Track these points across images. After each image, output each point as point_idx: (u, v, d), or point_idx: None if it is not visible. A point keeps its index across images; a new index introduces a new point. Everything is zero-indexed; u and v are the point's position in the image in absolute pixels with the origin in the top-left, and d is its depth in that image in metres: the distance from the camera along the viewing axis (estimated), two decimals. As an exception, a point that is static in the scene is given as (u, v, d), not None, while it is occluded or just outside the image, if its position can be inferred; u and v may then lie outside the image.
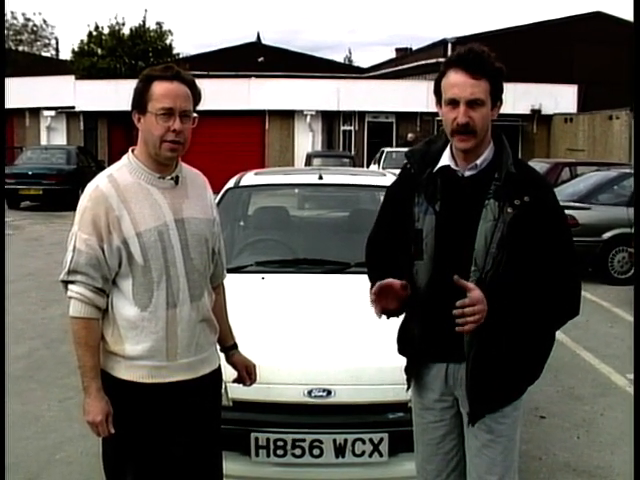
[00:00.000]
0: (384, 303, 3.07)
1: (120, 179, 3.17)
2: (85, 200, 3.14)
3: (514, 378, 3.15)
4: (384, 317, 3.14)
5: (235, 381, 3.69)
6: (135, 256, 3.11)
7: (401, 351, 3.38)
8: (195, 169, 3.46)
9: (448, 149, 3.16)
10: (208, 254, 3.34)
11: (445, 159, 3.15)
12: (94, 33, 40.66)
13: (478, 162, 3.09)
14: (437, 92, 3.09)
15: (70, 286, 3.13)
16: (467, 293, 2.88)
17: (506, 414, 3.16)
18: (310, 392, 4.06)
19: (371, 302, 3.06)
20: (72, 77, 35.64)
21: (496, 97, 3.03)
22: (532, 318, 3.02)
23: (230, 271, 3.90)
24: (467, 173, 3.11)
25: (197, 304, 3.25)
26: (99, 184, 3.16)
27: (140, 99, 3.15)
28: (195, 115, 3.22)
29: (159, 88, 3.11)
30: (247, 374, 3.66)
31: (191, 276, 3.22)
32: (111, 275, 3.15)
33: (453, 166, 3.13)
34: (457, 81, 2.97)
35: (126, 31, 40.78)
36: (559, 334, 3.30)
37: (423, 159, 3.21)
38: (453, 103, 2.99)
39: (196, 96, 3.22)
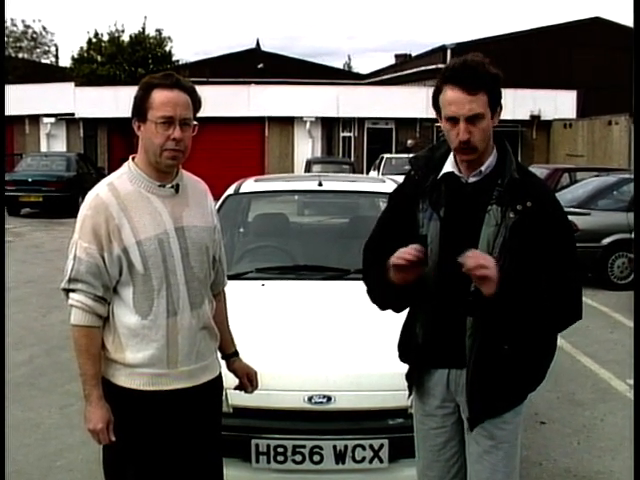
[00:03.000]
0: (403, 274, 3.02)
1: (120, 187, 3.17)
2: (85, 209, 3.15)
3: (515, 383, 3.15)
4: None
5: (237, 388, 3.70)
6: (135, 264, 3.12)
7: (402, 358, 3.38)
8: (196, 176, 3.46)
9: (451, 156, 3.17)
10: (208, 262, 3.35)
11: (448, 166, 3.17)
12: (94, 40, 40.72)
13: (482, 169, 3.10)
14: (436, 106, 3.09)
15: (71, 294, 3.14)
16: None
17: (507, 420, 3.17)
18: (310, 398, 4.07)
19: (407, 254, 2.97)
20: (72, 84, 35.66)
21: (495, 105, 3.04)
22: (534, 322, 3.03)
23: (230, 278, 3.91)
24: (471, 179, 3.13)
25: (197, 312, 3.26)
26: (99, 192, 3.17)
27: (140, 107, 3.16)
28: (195, 123, 3.22)
29: (159, 96, 3.11)
30: (248, 381, 3.66)
31: (191, 284, 3.22)
32: (112, 283, 3.15)
33: (457, 172, 3.15)
34: (454, 99, 2.97)
35: (126, 38, 40.86)
36: (559, 339, 3.29)
37: (427, 165, 3.23)
38: (453, 120, 3.00)
39: (196, 104, 3.22)
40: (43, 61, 53.44)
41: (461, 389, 3.17)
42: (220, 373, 3.48)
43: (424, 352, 3.21)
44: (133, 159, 3.26)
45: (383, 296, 3.27)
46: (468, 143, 2.98)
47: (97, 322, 3.15)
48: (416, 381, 3.31)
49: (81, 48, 40.95)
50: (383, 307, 3.34)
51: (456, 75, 2.98)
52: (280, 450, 4.05)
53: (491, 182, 3.08)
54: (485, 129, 3.01)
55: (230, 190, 6.61)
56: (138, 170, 3.21)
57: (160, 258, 3.14)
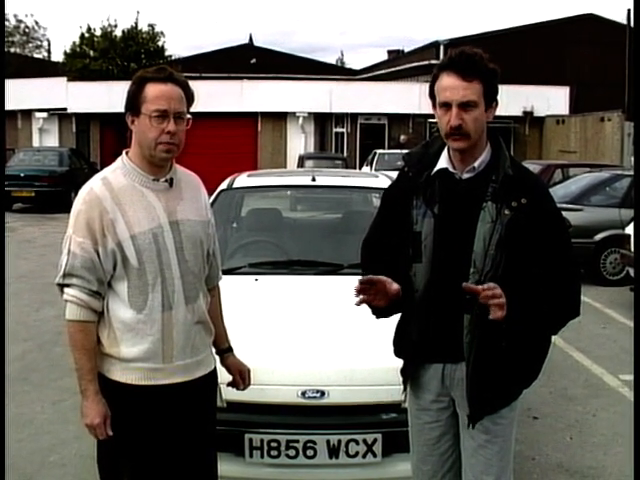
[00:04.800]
0: (371, 298, 3.07)
1: (114, 182, 3.17)
2: (79, 203, 3.14)
3: (514, 380, 3.17)
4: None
5: (229, 385, 3.70)
6: (130, 259, 3.11)
7: (397, 353, 3.38)
8: (189, 171, 3.46)
9: (445, 152, 3.18)
10: (203, 256, 3.34)
11: (442, 162, 3.16)
12: (86, 35, 40.61)
13: (476, 165, 3.10)
14: (432, 96, 3.10)
15: (66, 289, 3.13)
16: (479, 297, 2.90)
17: (503, 415, 3.18)
18: (304, 393, 4.06)
19: (354, 289, 3.04)
20: (64, 79, 35.59)
21: (490, 98, 3.05)
22: (532, 319, 3.03)
23: (223, 272, 3.90)
24: (465, 176, 3.13)
25: (192, 306, 3.26)
26: (93, 187, 3.16)
27: (134, 101, 3.15)
28: (189, 116, 3.22)
29: (153, 90, 3.11)
30: (241, 378, 3.66)
31: (186, 278, 3.22)
32: (106, 278, 3.14)
33: (450, 169, 3.15)
34: (449, 84, 2.99)
35: (118, 33, 40.78)
36: (551, 335, 3.31)
37: (421, 162, 3.22)
38: (446, 106, 3.01)
39: (189, 97, 3.22)
40: (35, 56, 53.34)
41: (456, 383, 3.17)
42: (215, 368, 3.48)
43: (419, 347, 3.22)
44: (127, 153, 3.26)
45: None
46: (459, 129, 2.99)
47: (92, 317, 3.14)
48: (411, 376, 3.31)
49: (74, 43, 40.86)
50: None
51: (453, 62, 3.01)
52: (274, 445, 4.05)
53: (485, 178, 3.08)
54: (478, 118, 3.01)
55: (223, 185, 6.60)
56: (132, 164, 3.21)
57: (155, 252, 3.14)
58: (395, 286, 3.04)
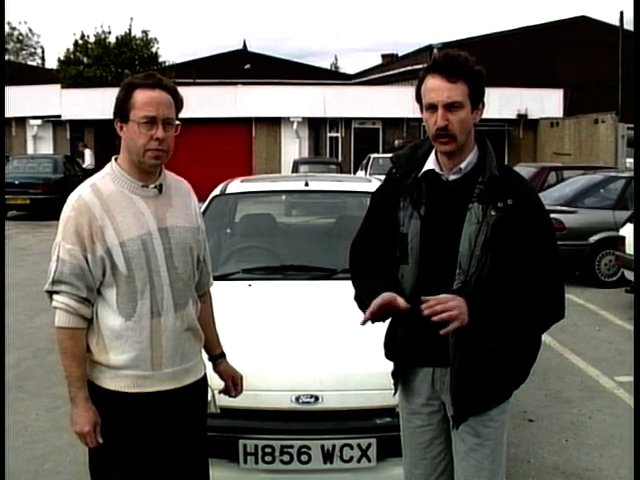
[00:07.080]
0: (381, 317, 3.06)
1: (103, 188, 3.16)
2: (68, 210, 3.13)
3: (499, 381, 3.16)
4: (368, 323, 3.15)
5: (221, 392, 3.69)
6: (119, 265, 3.10)
7: (388, 356, 3.38)
8: (179, 177, 3.44)
9: (433, 153, 3.18)
10: (193, 263, 3.33)
11: (430, 163, 3.17)
12: (80, 42, 40.61)
13: (462, 166, 3.11)
14: (418, 99, 3.11)
15: (55, 296, 3.12)
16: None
17: (493, 417, 3.17)
18: (298, 398, 4.07)
19: (366, 312, 3.02)
20: (58, 86, 35.57)
21: (476, 99, 3.05)
22: (516, 321, 3.03)
23: (217, 278, 3.90)
24: (451, 177, 3.14)
25: (182, 313, 3.24)
26: (82, 193, 3.15)
27: (122, 107, 3.14)
28: (178, 122, 3.21)
29: (141, 96, 3.10)
30: (233, 385, 3.64)
31: (175, 285, 3.21)
32: (95, 285, 3.13)
33: (438, 170, 3.15)
34: (434, 86, 3.00)
35: (112, 39, 40.78)
36: (546, 337, 3.31)
37: (408, 163, 3.23)
38: (432, 108, 3.02)
39: (178, 103, 3.21)
40: (29, 63, 53.36)
41: (446, 387, 3.17)
42: (205, 374, 3.46)
43: (407, 351, 3.22)
44: (116, 160, 3.25)
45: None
46: (445, 129, 2.99)
47: (81, 324, 3.13)
48: (401, 379, 3.31)
49: (67, 50, 40.86)
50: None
51: (437, 64, 3.03)
52: (268, 450, 4.05)
53: (471, 180, 3.09)
54: (463, 120, 3.02)
55: (216, 191, 6.60)
56: (121, 171, 3.19)
57: (144, 259, 3.12)
58: (401, 302, 3.01)
